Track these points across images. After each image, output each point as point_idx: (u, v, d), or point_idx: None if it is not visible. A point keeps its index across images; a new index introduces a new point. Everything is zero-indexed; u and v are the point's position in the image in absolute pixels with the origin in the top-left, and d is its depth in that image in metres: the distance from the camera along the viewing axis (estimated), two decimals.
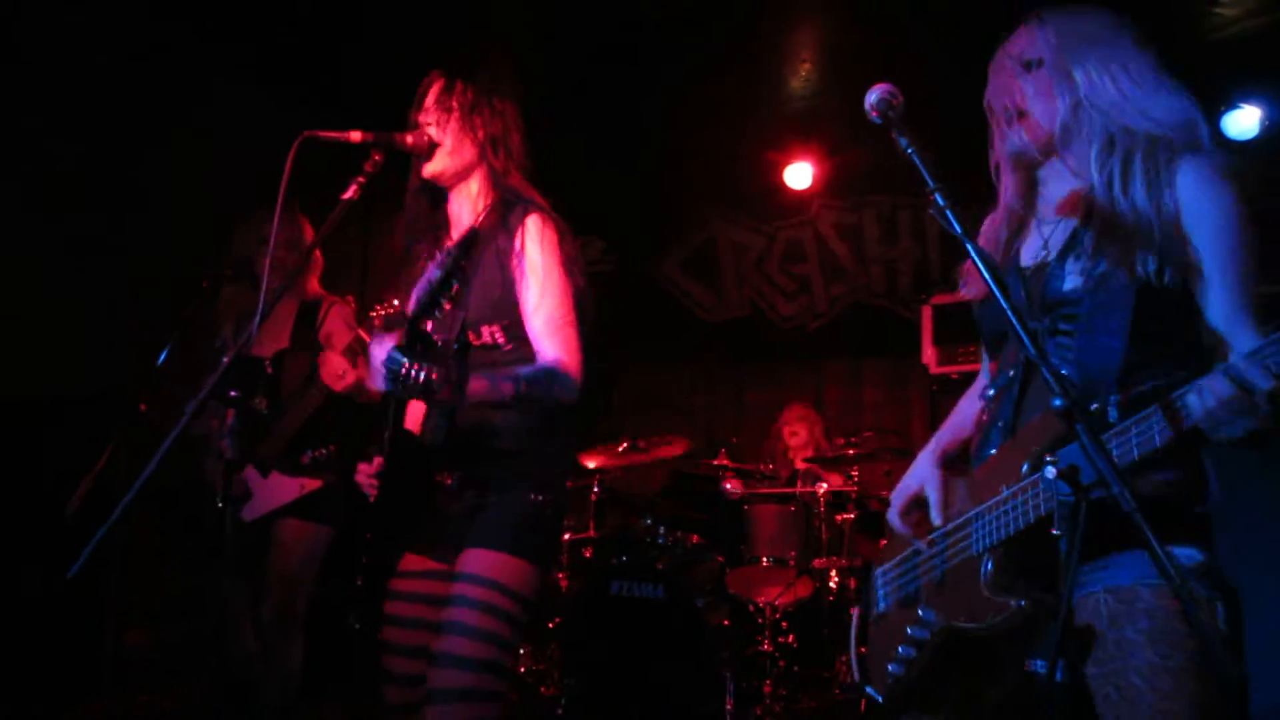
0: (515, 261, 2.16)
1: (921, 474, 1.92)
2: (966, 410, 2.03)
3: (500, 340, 2.19)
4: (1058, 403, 1.27)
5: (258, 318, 1.88)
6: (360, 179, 2.07)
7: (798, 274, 6.98)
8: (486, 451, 2.16)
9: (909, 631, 1.82)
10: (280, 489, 3.33)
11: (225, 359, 1.91)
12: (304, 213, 3.50)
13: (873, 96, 1.58)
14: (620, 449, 4.90)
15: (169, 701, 4.32)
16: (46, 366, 4.14)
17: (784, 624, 4.51)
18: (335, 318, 3.47)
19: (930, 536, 1.85)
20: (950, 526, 1.80)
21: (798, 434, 5.65)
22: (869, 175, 6.46)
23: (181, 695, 4.34)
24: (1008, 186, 1.87)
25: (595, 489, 4.83)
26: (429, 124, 2.23)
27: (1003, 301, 1.37)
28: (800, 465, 5.39)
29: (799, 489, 4.96)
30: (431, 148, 2.22)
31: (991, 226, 1.90)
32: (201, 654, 4.14)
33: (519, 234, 2.17)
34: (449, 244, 2.31)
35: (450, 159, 2.24)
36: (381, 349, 1.97)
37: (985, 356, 1.99)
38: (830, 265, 6.90)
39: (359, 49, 4.93)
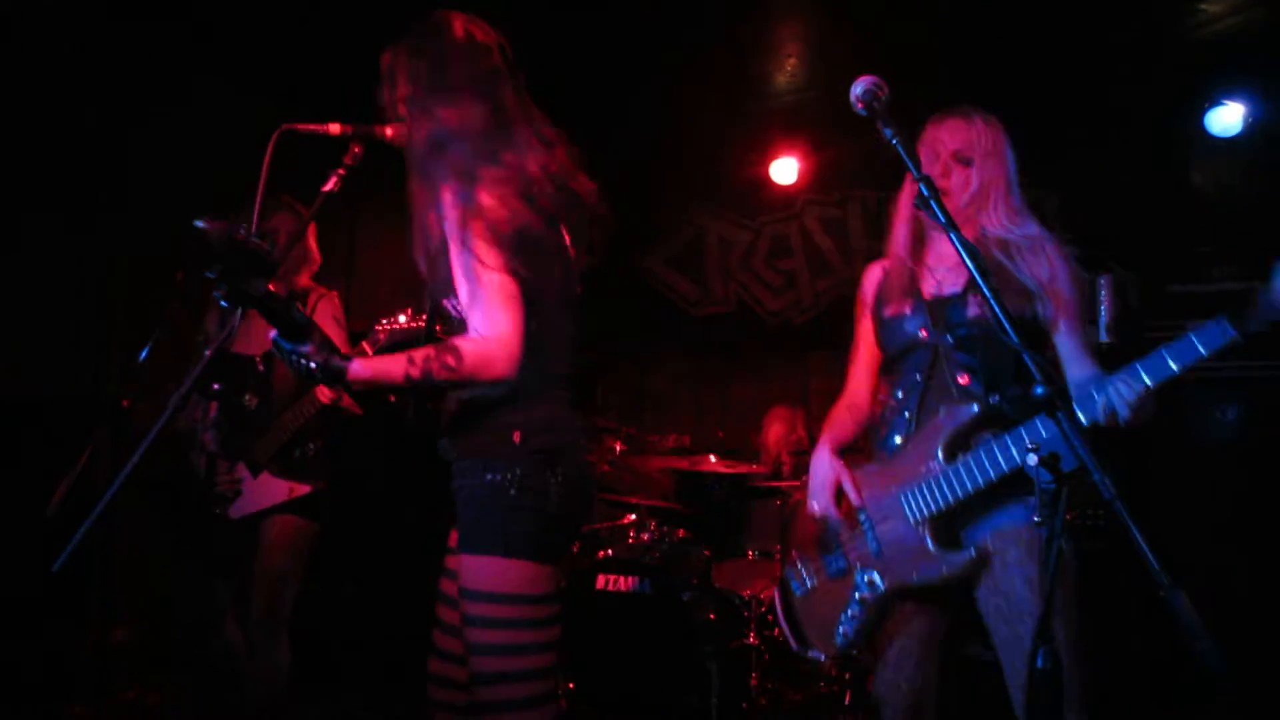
0: (442, 230, 2.00)
1: (834, 468, 2.39)
2: (841, 419, 2.53)
3: (460, 314, 2.02)
4: (1039, 390, 1.29)
5: (238, 311, 1.87)
6: (340, 171, 2.04)
7: (783, 269, 7.00)
8: (453, 426, 2.10)
9: (856, 595, 2.26)
10: (269, 490, 3.31)
11: (207, 352, 1.90)
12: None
13: (858, 88, 1.62)
14: (618, 451, 4.91)
15: (155, 698, 4.31)
16: (37, 365, 4.11)
17: (770, 617, 4.52)
18: (322, 311, 3.44)
19: (858, 518, 2.30)
20: (874, 507, 2.27)
21: (768, 434, 5.71)
22: (854, 170, 6.49)
23: (167, 692, 4.33)
24: (899, 236, 2.42)
25: None
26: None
27: (985, 288, 1.41)
28: (785, 458, 5.41)
29: (784, 483, 4.97)
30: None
31: (891, 265, 2.45)
32: (187, 651, 4.12)
33: (439, 202, 2.00)
34: None
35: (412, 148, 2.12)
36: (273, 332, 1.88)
37: (861, 371, 2.58)
38: (816, 260, 6.91)
39: (357, 48, 4.89)
